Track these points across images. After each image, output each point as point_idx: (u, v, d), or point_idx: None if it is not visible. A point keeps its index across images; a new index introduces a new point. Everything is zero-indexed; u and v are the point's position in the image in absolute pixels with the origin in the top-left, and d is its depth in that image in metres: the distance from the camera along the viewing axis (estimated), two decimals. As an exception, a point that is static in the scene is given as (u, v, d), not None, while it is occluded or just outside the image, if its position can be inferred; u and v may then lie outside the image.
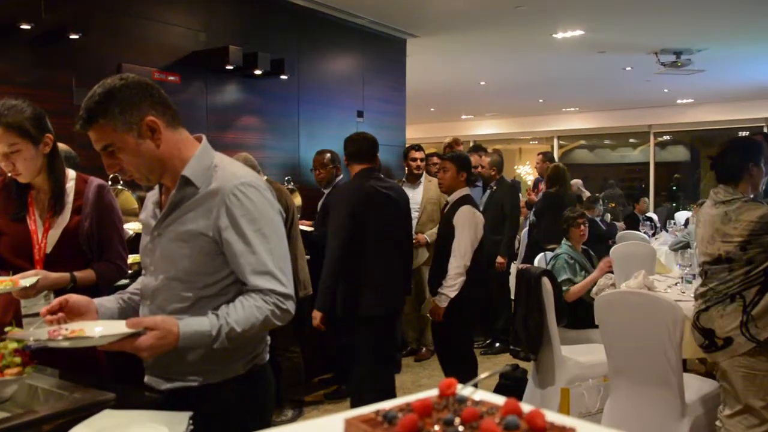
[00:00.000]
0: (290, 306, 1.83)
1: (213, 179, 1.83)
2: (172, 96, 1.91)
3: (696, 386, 3.46)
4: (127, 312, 2.00)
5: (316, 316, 3.86)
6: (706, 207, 3.16)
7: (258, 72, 5.45)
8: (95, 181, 2.55)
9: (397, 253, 3.99)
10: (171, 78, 5.03)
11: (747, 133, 13.05)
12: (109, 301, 2.00)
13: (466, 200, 4.25)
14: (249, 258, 1.79)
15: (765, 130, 13.17)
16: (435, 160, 6.25)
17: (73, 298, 1.88)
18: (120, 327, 1.69)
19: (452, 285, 4.06)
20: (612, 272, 4.55)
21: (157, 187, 1.98)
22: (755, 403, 2.97)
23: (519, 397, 4.21)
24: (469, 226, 4.12)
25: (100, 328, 1.73)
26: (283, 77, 5.79)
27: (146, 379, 1.95)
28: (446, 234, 4.20)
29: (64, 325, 1.76)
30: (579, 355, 4.08)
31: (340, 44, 6.84)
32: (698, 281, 3.31)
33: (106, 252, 2.51)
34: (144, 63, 4.82)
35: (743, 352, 2.95)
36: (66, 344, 1.66)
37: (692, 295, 3.44)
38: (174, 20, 5.19)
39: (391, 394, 3.85)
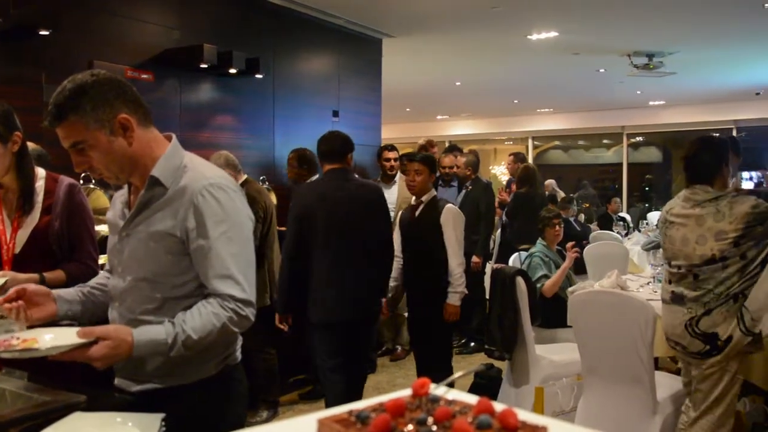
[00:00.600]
0: (249, 312, 1.80)
1: (182, 179, 1.81)
2: (144, 94, 1.88)
3: (667, 384, 3.51)
4: (86, 305, 1.97)
5: (277, 317, 3.86)
6: (683, 209, 3.08)
7: (233, 71, 5.42)
8: (66, 180, 2.51)
9: (361, 256, 3.68)
10: (144, 76, 4.98)
11: (717, 135, 13.26)
12: (68, 294, 1.96)
13: (438, 200, 4.27)
14: (212, 261, 1.76)
15: (734, 132, 13.41)
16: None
17: (31, 287, 1.85)
18: (72, 336, 1.65)
19: (461, 282, 4.10)
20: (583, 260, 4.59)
21: (125, 186, 1.95)
22: (722, 403, 3.00)
23: (494, 396, 4.24)
24: (457, 223, 4.16)
25: (50, 336, 1.68)
26: (259, 76, 5.76)
27: (116, 381, 1.92)
28: (429, 234, 4.15)
29: (17, 334, 1.72)
30: (553, 354, 4.12)
31: (315, 44, 6.82)
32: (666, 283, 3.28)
33: (77, 252, 2.47)
34: (116, 60, 4.76)
35: (740, 348, 2.95)
36: (11, 356, 1.62)
37: (662, 298, 3.47)
38: (147, 17, 5.13)
39: (339, 401, 3.59)
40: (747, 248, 2.91)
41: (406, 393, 1.01)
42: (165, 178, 1.80)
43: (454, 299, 4.09)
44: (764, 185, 12.42)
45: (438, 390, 1.01)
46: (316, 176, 5.17)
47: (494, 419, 0.88)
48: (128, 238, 1.84)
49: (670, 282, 3.14)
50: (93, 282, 2.06)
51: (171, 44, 5.22)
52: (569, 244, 4.61)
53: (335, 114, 6.94)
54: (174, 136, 1.91)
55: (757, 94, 12.29)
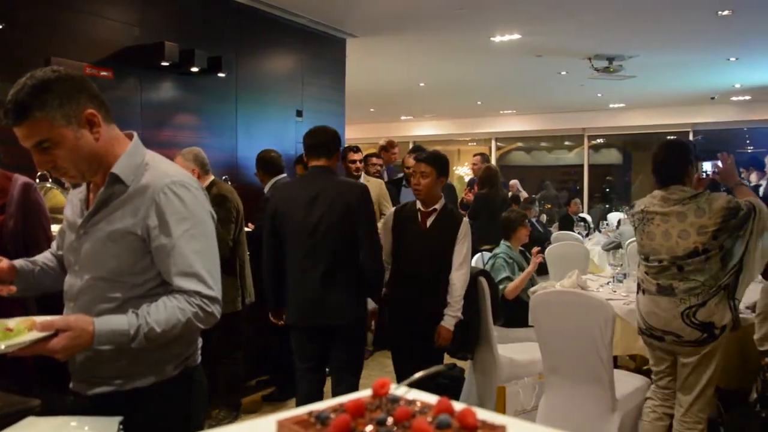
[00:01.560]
0: (216, 309, 1.79)
1: (143, 177, 1.79)
2: (104, 92, 1.85)
3: (626, 382, 3.57)
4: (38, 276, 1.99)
5: (270, 315, 3.77)
6: (661, 207, 3.28)
7: (195, 69, 5.35)
8: (20, 178, 2.45)
9: (332, 261, 3.45)
10: (103, 73, 4.89)
11: (675, 137, 13.58)
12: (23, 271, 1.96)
13: (452, 210, 3.87)
14: (176, 259, 1.75)
15: (690, 135, 13.73)
16: (374, 160, 6.28)
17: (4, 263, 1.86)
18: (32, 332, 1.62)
19: (461, 305, 3.69)
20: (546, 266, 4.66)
21: (84, 184, 1.91)
22: (712, 384, 3.24)
23: (456, 395, 4.26)
24: (468, 239, 3.76)
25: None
26: (221, 75, 5.70)
27: (72, 384, 1.88)
28: (441, 251, 3.70)
29: None
30: (515, 354, 4.15)
31: (279, 43, 6.78)
32: (631, 279, 3.42)
33: (33, 252, 2.41)
34: (74, 57, 4.66)
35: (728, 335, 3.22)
36: None
37: (624, 293, 3.56)
38: (107, 13, 5.04)
39: (306, 401, 3.57)
40: (724, 240, 3.18)
41: (366, 393, 1.01)
42: (126, 175, 1.78)
43: (449, 323, 3.65)
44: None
45: (398, 390, 1.01)
46: (282, 176, 5.12)
47: (453, 419, 0.89)
48: (86, 236, 1.81)
49: (647, 274, 3.34)
50: (41, 258, 2.04)
51: (131, 41, 5.13)
52: (534, 250, 4.66)
53: (299, 114, 6.91)
54: (135, 134, 1.88)
55: (712, 98, 12.61)
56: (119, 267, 1.77)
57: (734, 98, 12.67)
